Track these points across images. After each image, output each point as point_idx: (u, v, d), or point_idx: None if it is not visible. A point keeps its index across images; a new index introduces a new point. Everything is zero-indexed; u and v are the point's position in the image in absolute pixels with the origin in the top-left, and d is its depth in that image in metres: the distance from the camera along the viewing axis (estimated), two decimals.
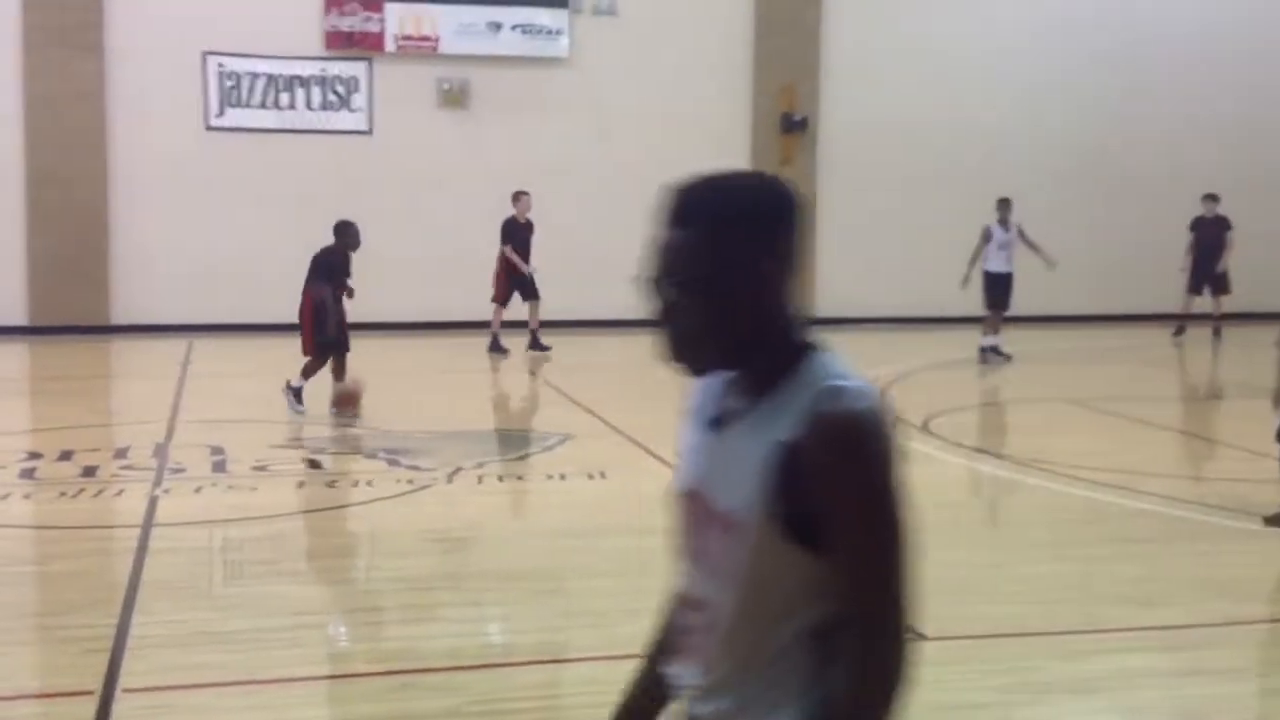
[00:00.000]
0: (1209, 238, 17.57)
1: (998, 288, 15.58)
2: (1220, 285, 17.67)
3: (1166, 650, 5.83)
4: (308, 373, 11.41)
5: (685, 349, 2.02)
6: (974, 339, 15.99)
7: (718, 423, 2.07)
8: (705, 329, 1.99)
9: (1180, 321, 17.84)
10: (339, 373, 11.52)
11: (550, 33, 18.44)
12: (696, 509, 2.10)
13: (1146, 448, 10.71)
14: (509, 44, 18.37)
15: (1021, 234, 15.68)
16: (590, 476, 9.19)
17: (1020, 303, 16.16)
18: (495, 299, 15.72)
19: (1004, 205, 15.78)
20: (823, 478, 1.90)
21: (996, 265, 15.61)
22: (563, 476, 9.18)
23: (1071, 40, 19.63)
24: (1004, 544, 7.73)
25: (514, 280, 15.64)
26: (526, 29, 18.39)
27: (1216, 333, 17.54)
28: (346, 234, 11.52)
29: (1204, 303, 17.88)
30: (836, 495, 1.91)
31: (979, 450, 10.35)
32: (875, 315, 19.10)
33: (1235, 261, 17.60)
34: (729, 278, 1.96)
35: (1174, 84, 19.96)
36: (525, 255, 15.76)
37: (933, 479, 9.36)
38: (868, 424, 1.90)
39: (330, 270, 11.34)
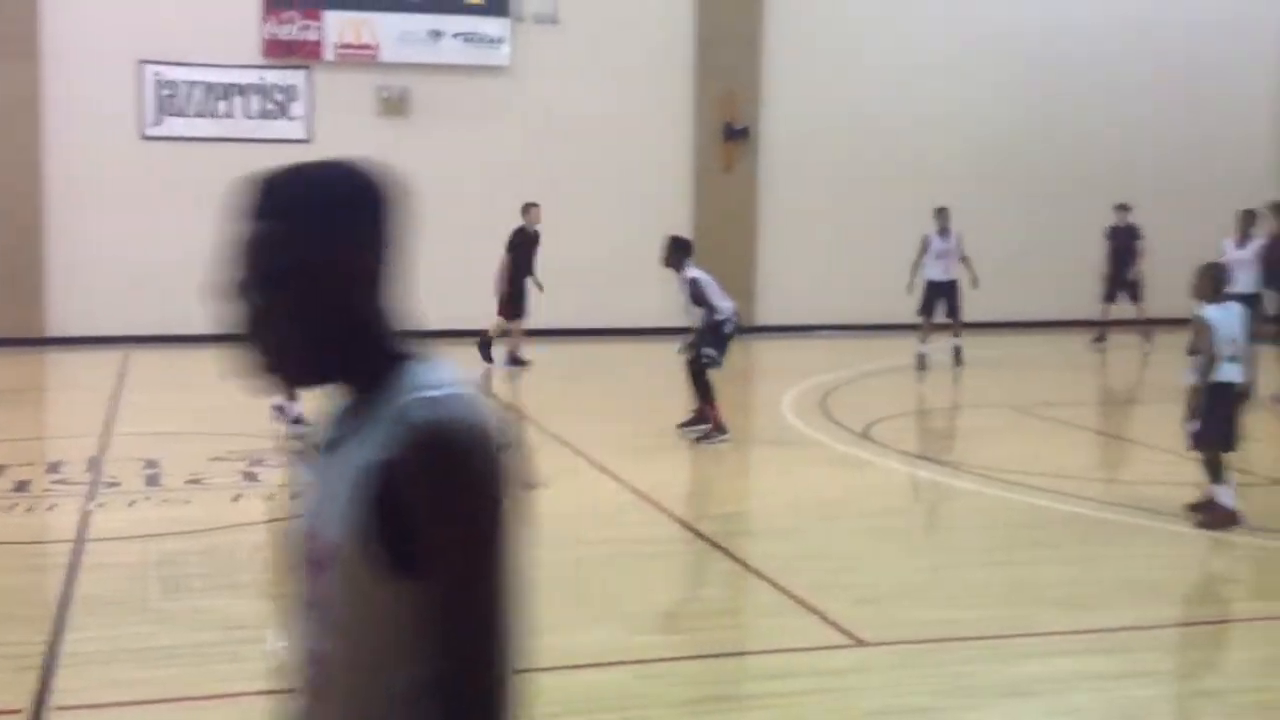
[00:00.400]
0: (1121, 246, 17.83)
1: (936, 296, 15.74)
2: (1134, 292, 17.92)
3: (1099, 653, 5.90)
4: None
5: (271, 358, 1.80)
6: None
7: (329, 449, 1.84)
8: (289, 333, 1.78)
9: (1100, 329, 18.09)
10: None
11: (491, 41, 18.42)
12: (307, 549, 1.83)
13: (1080, 452, 10.86)
14: (450, 52, 18.32)
15: (960, 244, 15.84)
16: (527, 486, 9.16)
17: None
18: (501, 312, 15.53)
19: (941, 214, 15.95)
20: (412, 497, 1.69)
21: (935, 274, 15.78)
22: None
23: (1005, 48, 19.83)
24: (942, 549, 7.81)
25: (514, 291, 15.49)
26: (468, 37, 18.35)
27: (1147, 337, 17.79)
28: None
29: (1119, 309, 18.12)
30: (424, 516, 1.70)
31: (918, 456, 10.45)
32: (819, 323, 19.20)
33: (1152, 268, 17.84)
34: (310, 273, 1.76)
35: (1102, 94, 20.22)
36: (529, 267, 15.62)
37: (872, 485, 9.44)
38: (459, 437, 1.70)
39: None
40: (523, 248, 15.39)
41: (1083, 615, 6.36)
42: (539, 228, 15.73)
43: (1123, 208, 17.89)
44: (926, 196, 18.73)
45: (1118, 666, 5.76)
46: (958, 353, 15.67)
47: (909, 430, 11.94)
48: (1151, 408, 13.42)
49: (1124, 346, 17.70)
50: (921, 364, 15.54)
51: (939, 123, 19.67)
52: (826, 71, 19.26)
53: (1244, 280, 13.32)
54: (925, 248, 15.81)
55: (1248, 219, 13.45)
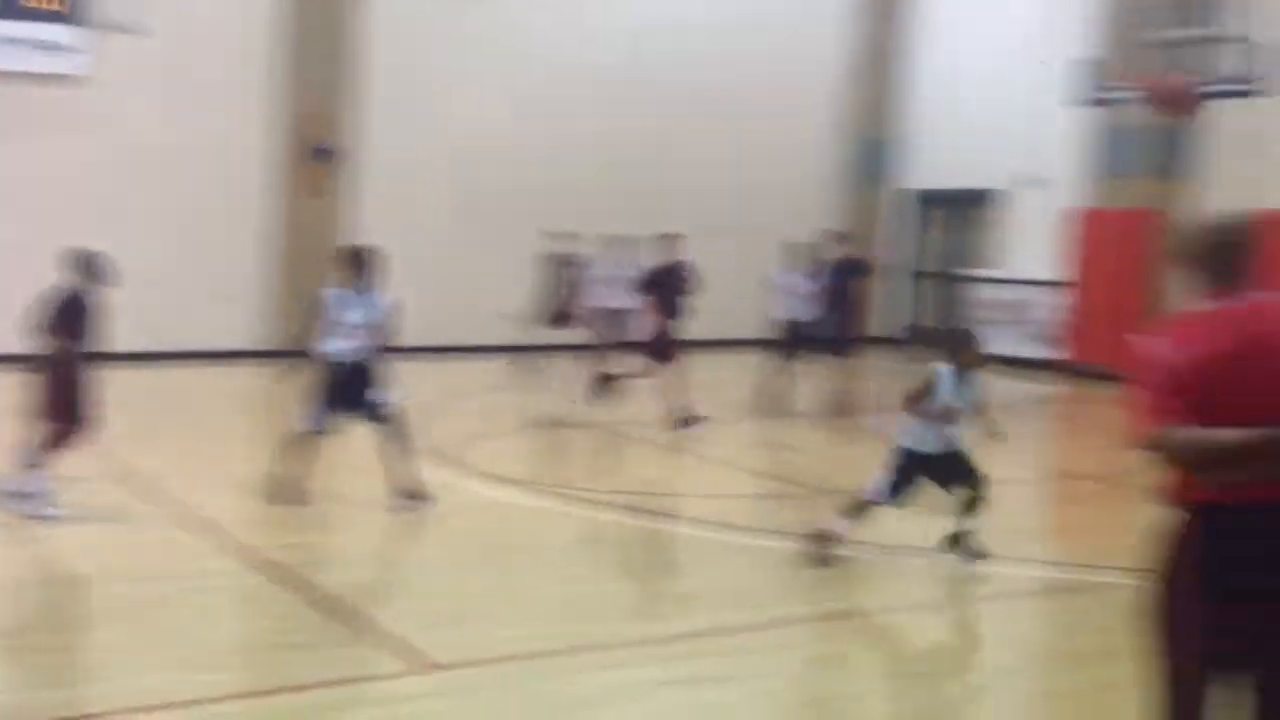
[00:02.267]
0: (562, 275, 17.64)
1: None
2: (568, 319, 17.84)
3: (665, 660, 6.16)
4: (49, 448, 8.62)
5: None
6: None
7: None
8: None
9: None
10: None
11: (64, 49, 17.28)
12: None
13: (651, 467, 11.30)
14: (18, 59, 17.06)
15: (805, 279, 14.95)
16: (92, 521, 8.62)
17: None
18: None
19: (792, 250, 15.17)
20: None
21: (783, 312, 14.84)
22: (60, 521, 8.56)
23: (612, 74, 20.19)
24: (515, 567, 7.88)
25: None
26: (39, 44, 17.15)
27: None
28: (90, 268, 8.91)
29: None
30: None
31: (500, 478, 10.53)
32: (423, 344, 18.95)
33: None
34: None
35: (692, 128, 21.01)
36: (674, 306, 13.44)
37: (452, 506, 9.46)
38: None
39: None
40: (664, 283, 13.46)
41: (649, 625, 6.61)
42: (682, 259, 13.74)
43: (667, 238, 17.81)
44: (530, 220, 19.03)
45: (684, 672, 6.03)
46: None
47: (498, 452, 12.00)
48: (714, 424, 14.12)
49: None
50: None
51: (545, 145, 19.89)
52: (428, 92, 19.17)
53: (811, 309, 14.17)
54: (774, 284, 15.08)
55: (813, 250, 14.28)
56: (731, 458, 12.04)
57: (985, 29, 20.79)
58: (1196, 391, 3.49)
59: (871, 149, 22.47)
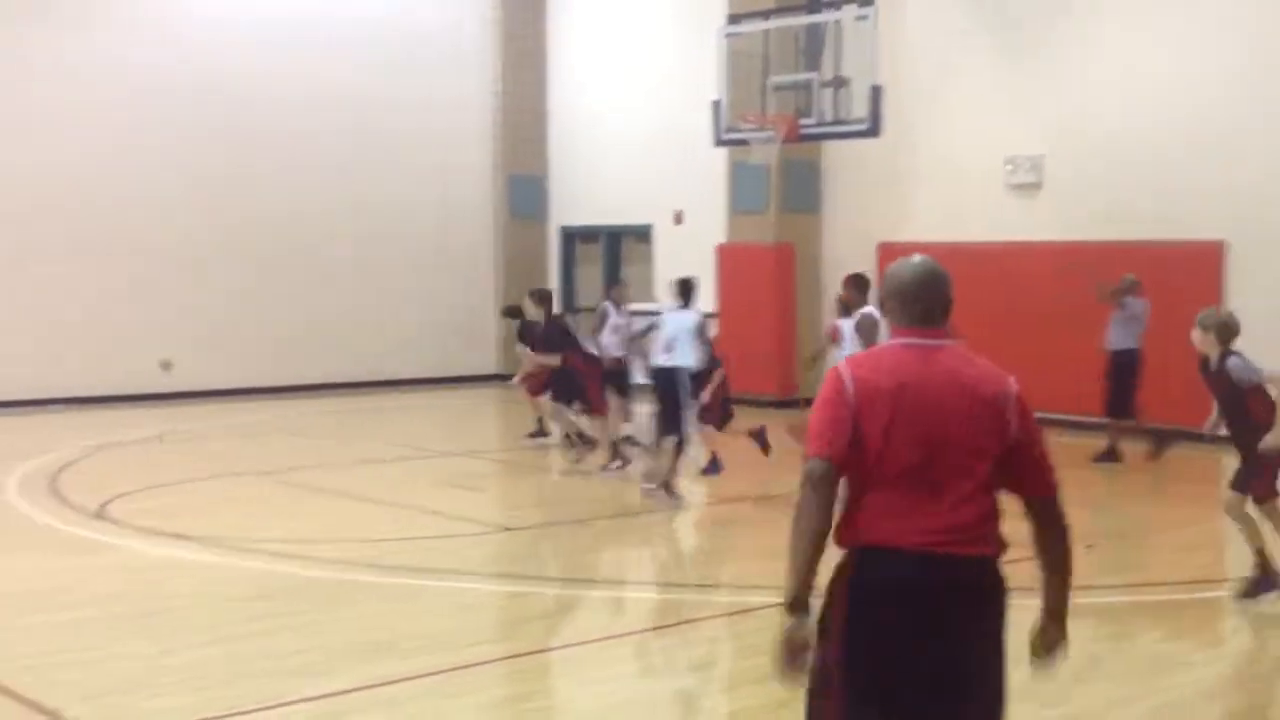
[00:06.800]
0: None
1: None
2: None
3: (332, 716, 6.11)
4: None
5: None
6: (159, 418, 15.90)
7: None
8: None
9: None
10: None
11: None
12: None
13: (323, 516, 11.07)
14: None
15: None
16: None
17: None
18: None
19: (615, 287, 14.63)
20: None
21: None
22: None
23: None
24: (173, 629, 7.61)
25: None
26: None
27: None
28: None
29: None
30: None
31: (155, 532, 10.14)
32: (53, 396, 17.83)
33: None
34: None
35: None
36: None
37: (102, 568, 9.05)
38: None
39: None
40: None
41: (311, 682, 6.51)
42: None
43: None
44: (160, 257, 18.17)
45: None
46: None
47: (150, 505, 11.47)
48: (392, 465, 14.03)
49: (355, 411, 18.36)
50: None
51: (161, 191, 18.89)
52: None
53: None
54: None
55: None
56: (412, 498, 11.90)
57: (621, 74, 21.34)
58: (864, 425, 3.60)
59: (522, 186, 22.63)
